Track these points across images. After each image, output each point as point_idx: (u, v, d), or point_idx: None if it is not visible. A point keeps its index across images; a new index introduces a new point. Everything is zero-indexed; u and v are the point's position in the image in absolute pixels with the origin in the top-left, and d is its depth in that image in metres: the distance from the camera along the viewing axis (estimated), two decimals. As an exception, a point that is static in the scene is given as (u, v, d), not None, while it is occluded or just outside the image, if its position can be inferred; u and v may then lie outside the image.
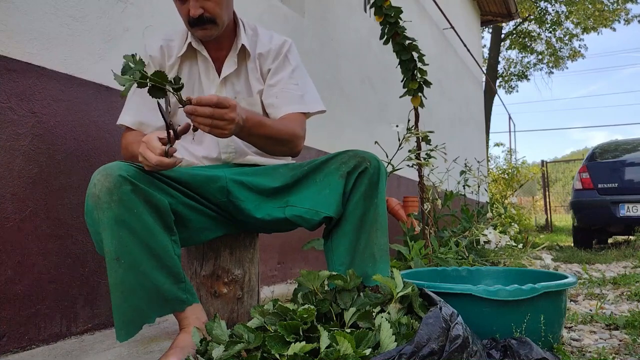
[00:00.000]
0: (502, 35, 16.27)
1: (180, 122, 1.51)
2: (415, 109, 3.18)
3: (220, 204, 1.42)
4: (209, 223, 1.43)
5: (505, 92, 18.82)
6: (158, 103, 1.18)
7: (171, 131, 1.20)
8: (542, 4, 16.12)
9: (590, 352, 1.47)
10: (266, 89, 1.54)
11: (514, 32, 17.13)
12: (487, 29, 15.61)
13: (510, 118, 12.51)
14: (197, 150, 1.54)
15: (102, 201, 1.17)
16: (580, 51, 16.93)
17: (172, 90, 1.17)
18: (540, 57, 17.50)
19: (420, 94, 3.10)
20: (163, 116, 1.17)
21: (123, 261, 1.18)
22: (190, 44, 1.51)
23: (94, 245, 1.25)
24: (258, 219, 1.42)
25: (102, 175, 1.18)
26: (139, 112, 1.48)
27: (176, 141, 1.23)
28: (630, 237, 6.12)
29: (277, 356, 1.02)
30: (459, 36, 7.19)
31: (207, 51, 1.53)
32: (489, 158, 12.37)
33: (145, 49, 1.52)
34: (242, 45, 1.52)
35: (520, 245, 3.72)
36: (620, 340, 1.59)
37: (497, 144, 16.20)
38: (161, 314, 1.26)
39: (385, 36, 3.12)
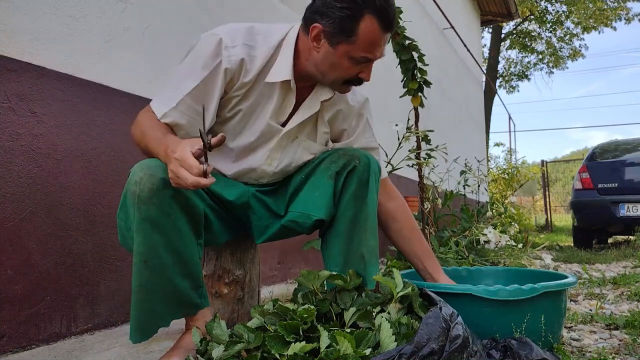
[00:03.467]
0: (502, 35, 16.26)
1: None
2: (415, 109, 3.18)
3: (237, 214, 1.44)
4: (225, 227, 1.44)
5: (506, 92, 18.84)
6: (200, 130, 1.08)
7: (207, 147, 1.07)
8: (543, 4, 16.12)
9: (590, 352, 1.47)
10: (344, 146, 1.49)
11: (514, 32, 17.13)
12: (487, 28, 15.61)
13: (510, 118, 12.51)
14: (228, 169, 1.44)
15: (141, 201, 1.14)
16: (580, 51, 16.93)
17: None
18: (540, 56, 17.51)
19: (420, 94, 3.10)
20: (202, 137, 1.05)
21: (150, 264, 1.17)
22: (287, 81, 1.32)
23: (118, 236, 1.24)
24: (268, 232, 1.45)
25: (146, 174, 1.14)
26: (184, 115, 1.26)
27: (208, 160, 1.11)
28: (630, 237, 6.12)
29: (277, 356, 1.02)
30: (459, 36, 7.19)
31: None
32: (489, 158, 12.37)
33: (220, 53, 1.25)
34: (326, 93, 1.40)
35: (520, 245, 3.72)
36: (620, 340, 1.59)
37: (497, 144, 16.25)
38: (175, 318, 1.26)
39: (385, 36, 3.11)
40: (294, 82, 1.32)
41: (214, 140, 1.06)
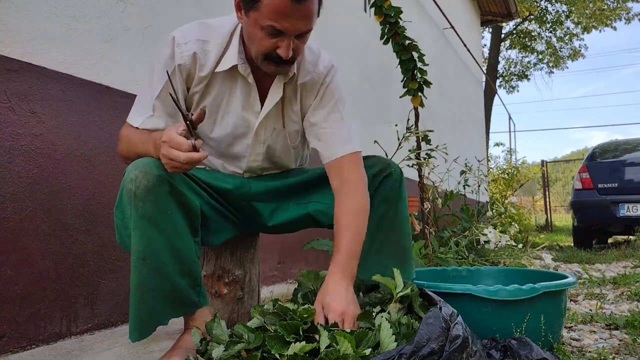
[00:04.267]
0: (502, 35, 16.26)
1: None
2: (415, 109, 3.18)
3: (240, 207, 1.44)
4: (226, 225, 1.44)
5: (506, 92, 18.84)
6: (170, 94, 1.11)
7: (189, 122, 1.09)
8: (543, 4, 16.12)
9: (590, 352, 1.47)
10: (309, 129, 1.43)
11: (514, 31, 17.13)
12: (487, 28, 15.61)
13: (510, 118, 12.51)
14: (220, 166, 1.47)
15: (137, 199, 1.14)
16: (580, 51, 16.93)
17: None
18: (540, 56, 17.50)
19: (420, 94, 3.10)
20: (178, 106, 1.08)
21: (148, 262, 1.17)
22: (235, 66, 1.31)
23: (116, 235, 1.25)
24: (281, 220, 1.45)
25: (141, 172, 1.15)
26: (160, 120, 1.30)
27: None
28: (630, 237, 6.12)
29: (277, 356, 1.02)
30: (459, 36, 7.18)
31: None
32: (489, 158, 12.37)
33: (174, 52, 1.28)
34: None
35: (520, 245, 3.72)
36: (620, 340, 1.59)
37: (497, 144, 16.25)
38: (174, 316, 1.26)
39: (385, 36, 3.12)
40: (243, 66, 1.31)
41: (195, 116, 1.08)
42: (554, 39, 16.91)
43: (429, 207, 3.09)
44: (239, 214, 1.46)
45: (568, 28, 16.64)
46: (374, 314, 1.18)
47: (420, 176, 3.06)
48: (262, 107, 1.37)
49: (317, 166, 1.52)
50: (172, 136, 1.08)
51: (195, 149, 1.07)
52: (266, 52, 1.22)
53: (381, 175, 1.37)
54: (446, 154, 2.93)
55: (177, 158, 1.07)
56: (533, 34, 17.05)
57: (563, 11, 16.24)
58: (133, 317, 1.19)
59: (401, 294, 1.20)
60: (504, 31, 16.34)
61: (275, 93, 1.36)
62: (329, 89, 1.41)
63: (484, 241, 3.32)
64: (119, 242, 1.25)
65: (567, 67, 17.56)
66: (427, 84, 3.09)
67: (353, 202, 1.32)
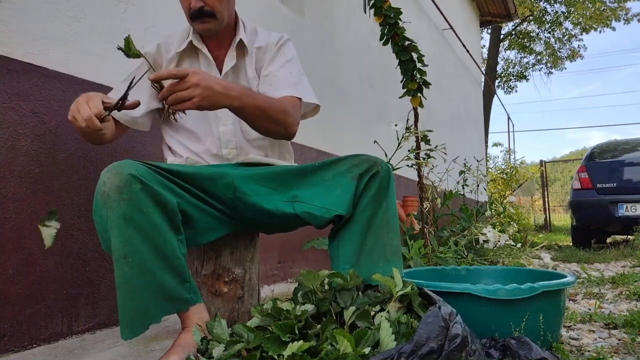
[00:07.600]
0: (501, 36, 16.27)
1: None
2: (415, 109, 3.19)
3: (227, 200, 1.42)
4: (214, 223, 1.43)
5: (505, 92, 18.84)
6: (133, 78, 1.27)
7: (120, 101, 1.24)
8: (542, 4, 16.12)
9: (589, 351, 1.48)
10: (261, 81, 1.56)
11: (513, 32, 17.14)
12: (486, 29, 15.62)
13: (509, 118, 12.51)
14: (198, 147, 1.54)
15: (111, 199, 1.17)
16: (579, 52, 16.93)
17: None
18: (539, 57, 17.51)
19: (419, 95, 3.11)
20: (129, 87, 1.23)
21: (130, 260, 1.18)
22: (191, 41, 1.52)
23: (100, 242, 1.26)
24: (267, 212, 1.42)
25: (112, 173, 1.18)
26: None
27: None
28: (629, 236, 6.13)
29: (276, 357, 1.02)
30: (458, 37, 7.19)
31: (208, 49, 1.54)
32: (488, 158, 12.38)
33: (142, 45, 1.53)
34: (240, 40, 1.53)
35: (519, 245, 3.73)
36: (619, 340, 1.60)
37: (495, 144, 16.25)
38: (165, 314, 1.26)
39: (385, 37, 3.12)
40: (200, 43, 1.52)
41: (129, 103, 1.25)
42: (553, 40, 16.93)
43: (428, 206, 3.10)
44: (228, 210, 1.44)
45: (566, 29, 16.65)
46: (373, 312, 1.19)
47: (419, 176, 3.07)
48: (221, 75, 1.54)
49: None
50: (94, 97, 1.26)
51: (100, 118, 1.23)
52: (188, 11, 1.45)
53: (368, 175, 1.37)
54: (445, 154, 2.94)
55: (83, 112, 1.22)
56: (532, 34, 17.06)
57: (562, 12, 16.25)
58: (122, 315, 1.20)
59: (400, 293, 1.21)
60: (503, 32, 16.35)
61: (229, 60, 1.54)
62: (281, 50, 1.58)
63: (483, 240, 3.33)
64: (103, 247, 1.26)
65: (566, 68, 17.59)
66: (427, 84, 3.10)
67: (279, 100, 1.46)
